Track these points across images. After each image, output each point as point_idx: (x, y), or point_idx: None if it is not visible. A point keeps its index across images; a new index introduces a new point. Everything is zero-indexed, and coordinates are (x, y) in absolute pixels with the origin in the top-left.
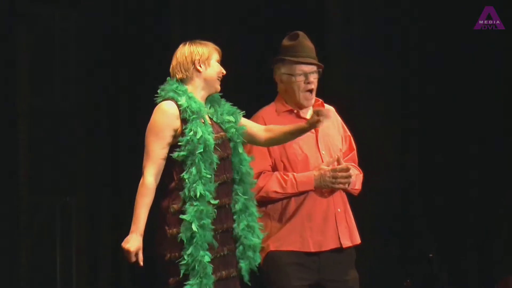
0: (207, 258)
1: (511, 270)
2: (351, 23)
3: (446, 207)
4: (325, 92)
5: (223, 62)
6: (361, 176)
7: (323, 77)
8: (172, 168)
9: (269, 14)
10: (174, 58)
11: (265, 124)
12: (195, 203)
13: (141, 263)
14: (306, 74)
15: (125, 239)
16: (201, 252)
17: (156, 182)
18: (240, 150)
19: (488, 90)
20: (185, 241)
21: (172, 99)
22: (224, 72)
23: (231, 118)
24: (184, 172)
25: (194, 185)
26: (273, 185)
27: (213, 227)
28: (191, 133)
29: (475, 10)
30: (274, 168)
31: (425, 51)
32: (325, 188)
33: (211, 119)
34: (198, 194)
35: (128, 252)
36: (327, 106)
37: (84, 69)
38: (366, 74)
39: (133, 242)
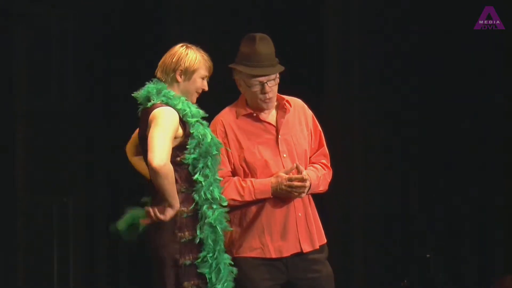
0: (229, 261)
1: (507, 270)
2: (348, 21)
3: (444, 207)
4: (320, 92)
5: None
6: (329, 174)
7: (320, 78)
8: (174, 171)
9: (268, 15)
10: (166, 55)
11: (224, 129)
12: (214, 206)
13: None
14: (263, 84)
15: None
16: (225, 255)
17: None
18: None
19: (488, 90)
20: (210, 244)
21: (166, 104)
22: (206, 89)
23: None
24: (198, 175)
25: (211, 188)
26: (231, 192)
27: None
28: (200, 136)
29: (475, 10)
30: (235, 173)
31: (425, 51)
32: (282, 196)
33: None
34: (217, 197)
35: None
36: (294, 99)
37: (82, 69)
38: (364, 73)
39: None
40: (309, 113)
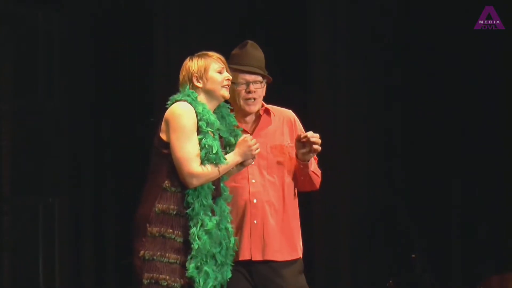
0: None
1: (494, 270)
2: (335, 22)
3: (430, 207)
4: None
5: None
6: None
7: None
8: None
9: (253, 23)
10: (179, 75)
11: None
12: (209, 213)
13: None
14: (248, 83)
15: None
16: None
17: None
18: None
19: (487, 90)
20: (205, 250)
21: (186, 101)
22: (230, 77)
23: (232, 140)
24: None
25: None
26: None
27: None
28: (207, 146)
29: (475, 10)
30: None
31: (424, 51)
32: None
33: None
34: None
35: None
36: (284, 110)
37: (68, 69)
38: (357, 77)
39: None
40: (299, 126)
